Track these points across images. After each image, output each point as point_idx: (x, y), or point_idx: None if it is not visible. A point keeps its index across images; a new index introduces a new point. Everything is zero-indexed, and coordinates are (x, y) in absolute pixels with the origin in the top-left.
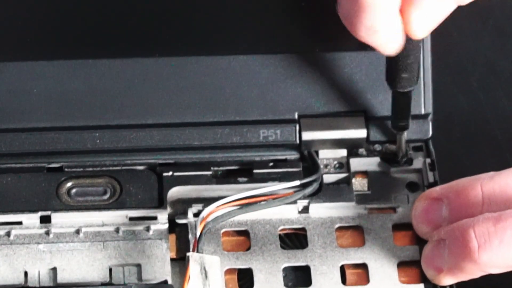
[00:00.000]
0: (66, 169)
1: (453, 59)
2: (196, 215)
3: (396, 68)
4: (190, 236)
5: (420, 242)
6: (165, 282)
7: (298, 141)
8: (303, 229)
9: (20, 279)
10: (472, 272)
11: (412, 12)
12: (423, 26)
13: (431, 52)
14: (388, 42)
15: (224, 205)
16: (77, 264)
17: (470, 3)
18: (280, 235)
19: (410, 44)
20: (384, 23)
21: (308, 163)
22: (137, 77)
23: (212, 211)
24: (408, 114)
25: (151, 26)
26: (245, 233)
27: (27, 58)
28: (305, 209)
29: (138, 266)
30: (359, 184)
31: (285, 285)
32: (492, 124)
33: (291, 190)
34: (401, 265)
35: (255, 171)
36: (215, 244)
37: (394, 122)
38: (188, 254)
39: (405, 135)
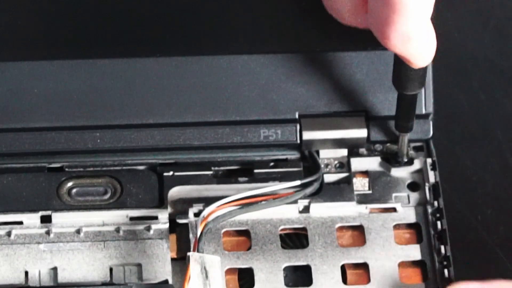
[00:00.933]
0: (66, 169)
1: (454, 59)
2: (197, 215)
3: (404, 71)
4: (190, 235)
5: (420, 241)
6: (166, 281)
7: (298, 141)
8: (304, 229)
9: (21, 279)
10: None
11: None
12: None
13: None
14: (422, 52)
15: (225, 205)
16: (78, 264)
17: (471, 2)
18: (280, 234)
19: None
20: (419, 29)
21: (308, 162)
22: (137, 77)
23: (212, 211)
24: (413, 115)
25: (151, 26)
26: (245, 233)
27: (28, 58)
28: (306, 209)
29: (139, 265)
30: (360, 183)
31: (285, 284)
32: (493, 124)
33: (291, 190)
34: (402, 264)
35: (255, 171)
36: (215, 244)
37: (398, 123)
38: (188, 254)
39: (408, 136)
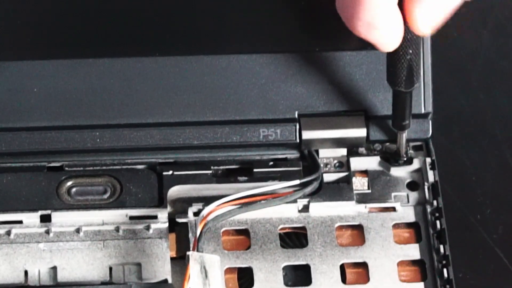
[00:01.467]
0: (66, 168)
1: (453, 58)
2: (196, 214)
3: (397, 67)
4: (190, 235)
5: (420, 241)
6: (165, 281)
7: (298, 140)
8: (303, 228)
9: (21, 278)
10: None
11: (416, 7)
12: (428, 22)
13: (431, 51)
14: (387, 39)
15: (224, 204)
16: (77, 263)
17: (470, 2)
18: (280, 234)
19: (411, 43)
20: (383, 19)
21: (308, 162)
22: (137, 77)
23: (212, 210)
24: (409, 113)
25: (151, 26)
26: (245, 232)
27: (27, 58)
28: (305, 208)
29: (138, 265)
30: (359, 183)
31: (285, 284)
32: (492, 123)
33: (291, 189)
34: (401, 264)
35: (255, 170)
36: (215, 243)
37: (395, 121)
38: (188, 253)
39: (406, 134)
